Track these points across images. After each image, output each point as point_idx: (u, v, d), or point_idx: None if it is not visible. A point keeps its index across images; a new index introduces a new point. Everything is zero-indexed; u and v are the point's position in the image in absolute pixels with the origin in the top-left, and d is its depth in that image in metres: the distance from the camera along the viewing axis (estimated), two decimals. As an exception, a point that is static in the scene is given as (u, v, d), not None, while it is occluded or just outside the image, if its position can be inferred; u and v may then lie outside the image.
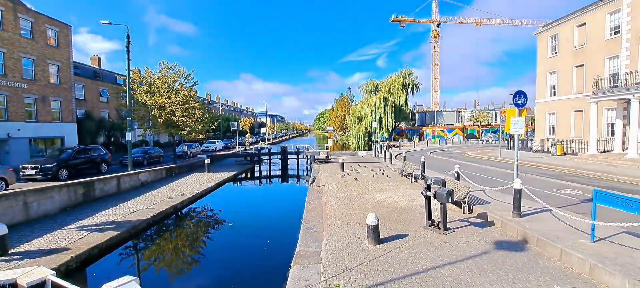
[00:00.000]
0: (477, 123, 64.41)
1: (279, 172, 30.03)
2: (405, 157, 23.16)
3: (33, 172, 16.85)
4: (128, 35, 20.37)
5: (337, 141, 75.48)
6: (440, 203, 8.37)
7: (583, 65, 26.44)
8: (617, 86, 21.94)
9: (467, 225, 9.01)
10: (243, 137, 63.80)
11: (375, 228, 7.75)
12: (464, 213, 10.20)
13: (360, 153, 34.21)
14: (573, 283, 5.68)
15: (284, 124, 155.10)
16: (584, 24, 26.41)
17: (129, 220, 11.78)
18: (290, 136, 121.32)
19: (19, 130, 23.97)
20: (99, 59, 45.64)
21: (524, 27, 73.29)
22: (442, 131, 62.14)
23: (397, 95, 52.88)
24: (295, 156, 32.56)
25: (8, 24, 23.48)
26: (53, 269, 6.67)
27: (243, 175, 27.70)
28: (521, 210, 8.85)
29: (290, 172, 29.88)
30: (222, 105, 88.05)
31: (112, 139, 38.62)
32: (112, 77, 44.80)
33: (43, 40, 26.34)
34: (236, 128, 48.27)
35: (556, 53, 29.77)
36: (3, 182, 14.34)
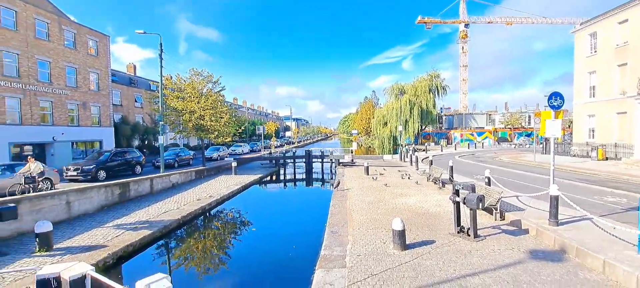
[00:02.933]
0: (509, 126, 61.75)
1: (304, 176, 30.19)
2: (432, 161, 22.59)
3: (75, 173, 18.00)
4: (160, 44, 21.38)
5: (361, 145, 74.96)
6: (470, 209, 8.08)
7: (626, 64, 24.66)
8: (666, 86, 20.26)
9: (499, 233, 8.63)
10: (268, 141, 64.88)
11: (401, 233, 7.60)
12: (495, 220, 9.78)
13: (385, 157, 33.77)
14: (618, 297, 5.28)
15: (309, 128, 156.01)
16: (626, 20, 24.66)
17: (160, 220, 12.28)
18: (315, 140, 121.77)
19: (62, 134, 25.72)
20: (134, 67, 48.18)
21: (558, 25, 69.63)
22: (472, 135, 60.07)
23: (424, 98, 51.76)
24: (319, 159, 32.63)
25: (54, 36, 25.34)
26: (92, 265, 7.05)
27: (268, 178, 28.10)
28: (558, 218, 8.36)
29: (314, 176, 29.97)
30: (248, 110, 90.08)
31: (146, 142, 40.54)
32: (146, 83, 47.11)
33: (84, 50, 28.18)
34: (262, 132, 49.19)
35: (595, 52, 27.99)
36: (49, 182, 15.42)
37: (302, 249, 10.81)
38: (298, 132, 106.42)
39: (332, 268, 6.81)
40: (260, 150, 48.97)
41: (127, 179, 16.50)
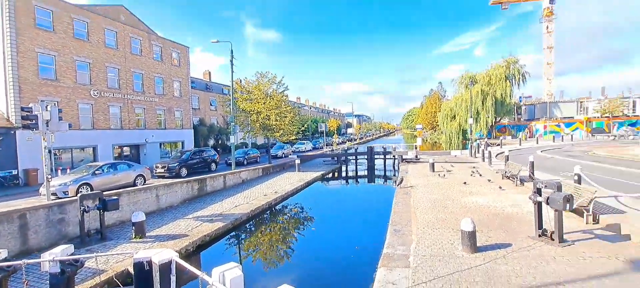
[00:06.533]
0: (607, 114, 52.83)
1: (366, 172, 29.93)
2: (508, 156, 20.52)
3: (162, 170, 20.47)
4: (231, 50, 23.05)
5: (426, 140, 71.42)
6: (555, 210, 7.14)
7: None
8: None
9: (591, 238, 7.49)
10: (330, 138, 65.66)
11: (471, 234, 7.07)
12: (586, 223, 8.50)
13: (453, 153, 31.70)
14: None
15: (370, 124, 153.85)
16: None
17: (232, 213, 13.33)
18: (377, 136, 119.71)
19: (152, 136, 29.44)
20: (209, 73, 52.88)
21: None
22: (558, 126, 52.92)
23: (499, 87, 47.17)
24: (382, 156, 32.01)
25: (145, 50, 29.09)
26: (176, 251, 7.98)
27: (330, 175, 28.50)
28: (675, 224, 6.93)
29: (376, 172, 29.52)
30: (310, 108, 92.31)
31: (219, 142, 44.24)
32: (220, 88, 51.36)
33: (169, 61, 31.81)
34: (324, 129, 49.98)
35: None
36: (143, 178, 17.79)
37: (364, 246, 10.75)
38: (360, 129, 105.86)
39: (395, 268, 6.65)
40: (322, 148, 49.87)
41: (204, 176, 18.24)
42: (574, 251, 6.80)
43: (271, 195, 17.15)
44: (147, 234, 10.40)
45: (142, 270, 6.42)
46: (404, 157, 27.80)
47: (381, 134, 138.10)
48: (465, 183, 15.43)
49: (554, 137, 45.91)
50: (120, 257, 8.38)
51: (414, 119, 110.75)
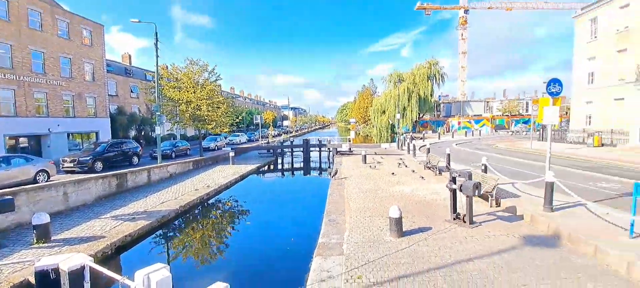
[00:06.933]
0: (507, 113, 61.78)
1: (301, 165, 30.26)
2: (429, 149, 22.66)
3: (71, 164, 17.94)
4: (156, 33, 21.01)
5: (359, 133, 74.95)
6: (466, 196, 8.14)
7: (626, 49, 24.57)
8: (664, 71, 20.25)
9: (494, 219, 8.72)
10: (266, 130, 64.67)
11: (398, 220, 7.67)
12: (491, 207, 9.87)
13: (383, 146, 33.79)
14: (609, 281, 5.38)
15: (306, 117, 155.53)
16: (628, 5, 24.45)
17: (158, 210, 12.32)
18: (312, 129, 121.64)
19: (58, 125, 25.52)
20: (130, 57, 47.55)
21: (560, 10, 68.92)
22: (469, 122, 60.10)
23: (422, 85, 51.62)
24: (317, 148, 32.66)
25: (47, 26, 24.90)
26: (90, 255, 7.09)
27: (266, 168, 28.15)
28: (553, 204, 8.45)
29: (312, 165, 30.04)
30: (245, 99, 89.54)
31: (143, 133, 40.31)
32: (142, 73, 46.59)
33: (78, 39, 27.75)
34: (259, 121, 48.96)
35: (595, 37, 27.86)
36: (45, 174, 15.37)
37: (300, 237, 10.91)
38: (296, 121, 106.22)
39: (330, 256, 6.89)
40: (258, 140, 48.87)
41: (124, 170, 16.49)
42: (481, 231, 7.85)
43: (203, 189, 16.29)
44: (53, 238, 9.04)
45: (47, 279, 5.60)
46: (338, 149, 28.77)
47: (317, 127, 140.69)
48: (393, 174, 16.62)
49: (466, 132, 52.07)
50: (18, 265, 7.16)
51: (348, 113, 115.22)
